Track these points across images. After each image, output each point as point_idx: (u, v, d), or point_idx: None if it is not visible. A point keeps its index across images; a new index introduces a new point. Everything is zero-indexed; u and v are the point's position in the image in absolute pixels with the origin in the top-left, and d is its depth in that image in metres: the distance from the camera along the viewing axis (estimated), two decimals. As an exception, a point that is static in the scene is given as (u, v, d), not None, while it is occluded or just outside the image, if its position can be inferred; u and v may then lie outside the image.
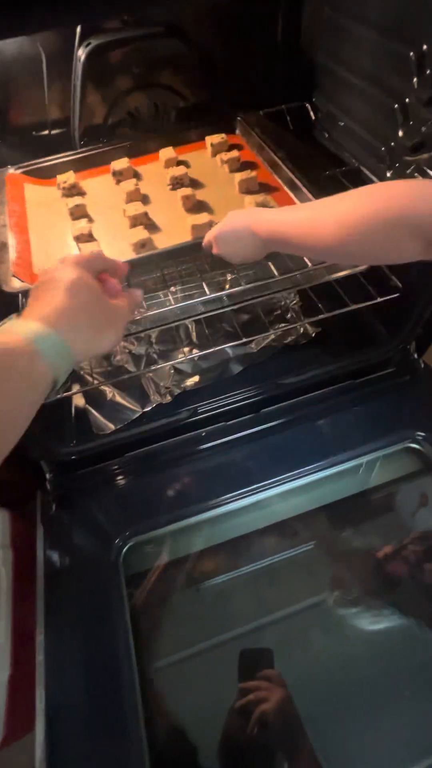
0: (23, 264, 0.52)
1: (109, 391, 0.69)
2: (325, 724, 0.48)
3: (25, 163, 0.65)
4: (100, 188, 0.65)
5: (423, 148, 0.49)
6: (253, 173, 0.60)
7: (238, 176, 0.60)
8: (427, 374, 0.68)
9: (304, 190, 0.58)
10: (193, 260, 0.61)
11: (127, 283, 0.54)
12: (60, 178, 0.64)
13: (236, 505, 0.60)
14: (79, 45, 0.61)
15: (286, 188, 0.61)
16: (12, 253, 0.52)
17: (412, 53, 0.46)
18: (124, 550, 0.55)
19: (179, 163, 0.65)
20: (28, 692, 0.46)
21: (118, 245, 0.56)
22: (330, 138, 0.67)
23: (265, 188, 0.61)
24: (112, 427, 0.65)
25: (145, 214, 0.58)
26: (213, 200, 0.61)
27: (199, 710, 0.50)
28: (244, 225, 0.45)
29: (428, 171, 0.49)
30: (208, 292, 0.54)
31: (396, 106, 0.51)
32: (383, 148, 0.55)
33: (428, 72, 0.45)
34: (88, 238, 0.56)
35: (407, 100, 0.49)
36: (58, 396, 0.52)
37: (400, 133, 0.51)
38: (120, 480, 0.62)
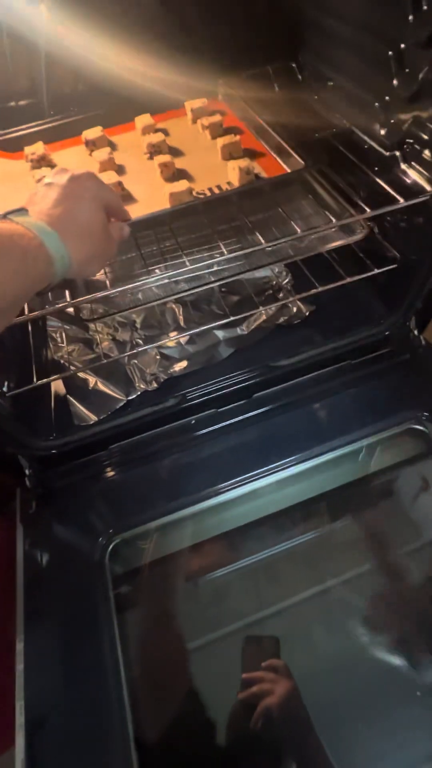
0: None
1: (92, 380, 0.65)
2: (332, 718, 0.45)
3: (-10, 136, 0.60)
4: (72, 159, 0.60)
5: (421, 97, 0.45)
6: (237, 138, 0.56)
7: (221, 141, 0.56)
8: (428, 352, 0.64)
9: (293, 153, 0.54)
10: (170, 230, 0.56)
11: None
12: (28, 149, 0.59)
13: (230, 495, 0.56)
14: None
15: (273, 153, 0.57)
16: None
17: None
18: (110, 548, 0.51)
19: (157, 131, 0.60)
20: (7, 705, 0.42)
21: None
22: (319, 99, 0.62)
23: (250, 154, 0.56)
24: (94, 417, 0.60)
25: (119, 183, 0.53)
26: (194, 168, 0.56)
27: (196, 715, 0.47)
28: None
29: (428, 124, 0.45)
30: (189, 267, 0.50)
31: (390, 53, 0.46)
32: (377, 104, 0.51)
33: (426, 8, 0.40)
34: None
35: (402, 45, 0.45)
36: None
37: (395, 83, 0.46)
38: (105, 474, 0.58)
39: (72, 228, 0.34)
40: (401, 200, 0.47)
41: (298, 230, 0.48)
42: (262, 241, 0.49)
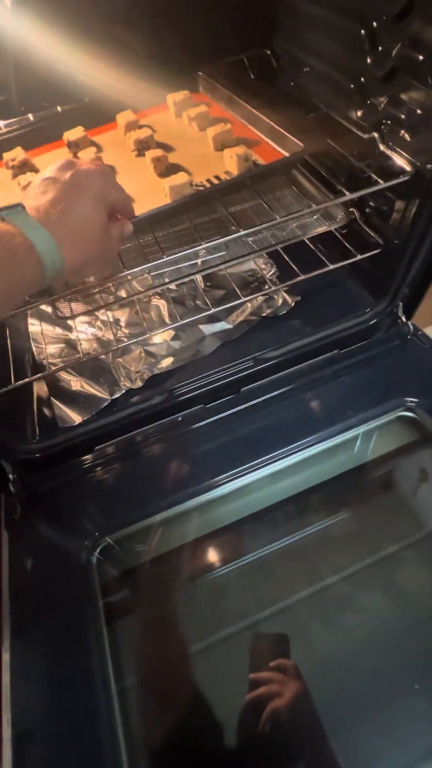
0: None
1: (75, 380, 0.63)
2: (340, 717, 0.43)
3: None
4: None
5: (396, 75, 0.44)
6: (228, 126, 0.54)
7: (211, 132, 0.54)
8: (417, 338, 0.63)
9: (291, 136, 0.52)
10: (172, 226, 0.55)
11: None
12: (7, 156, 0.57)
13: (221, 491, 0.54)
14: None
15: (267, 139, 0.55)
16: None
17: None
18: (98, 551, 0.50)
19: (141, 127, 0.59)
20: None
21: None
22: (295, 85, 0.61)
23: (243, 142, 0.55)
24: (79, 419, 0.59)
25: None
26: (187, 161, 0.55)
27: (198, 719, 0.45)
28: None
29: (403, 98, 0.44)
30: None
31: (363, 32, 0.45)
32: (352, 86, 0.50)
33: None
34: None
35: (374, 23, 0.44)
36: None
37: (369, 60, 0.45)
38: (91, 476, 0.57)
39: (69, 229, 0.32)
40: (381, 182, 0.46)
41: (277, 217, 0.47)
42: (240, 230, 0.48)
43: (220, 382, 0.61)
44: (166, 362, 0.65)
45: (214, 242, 0.48)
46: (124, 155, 0.57)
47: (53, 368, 0.59)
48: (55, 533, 0.53)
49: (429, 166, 0.44)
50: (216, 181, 0.51)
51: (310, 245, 0.61)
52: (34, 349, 0.66)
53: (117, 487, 0.56)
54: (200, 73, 0.65)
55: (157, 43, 0.64)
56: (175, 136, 0.58)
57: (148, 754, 0.42)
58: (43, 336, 0.67)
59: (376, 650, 0.47)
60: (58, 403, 0.61)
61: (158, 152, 0.53)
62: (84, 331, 0.70)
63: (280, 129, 0.53)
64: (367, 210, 0.58)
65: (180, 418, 0.60)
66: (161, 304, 0.72)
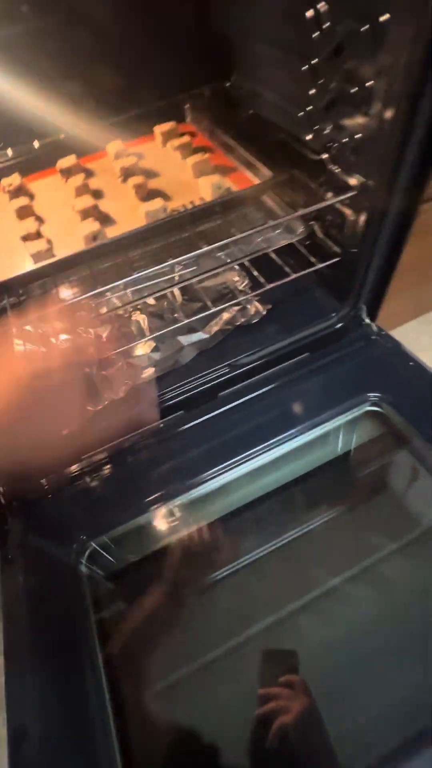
0: None
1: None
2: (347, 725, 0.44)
3: None
4: (49, 188, 0.64)
5: (335, 105, 0.49)
6: (206, 155, 0.60)
7: (191, 160, 0.60)
8: (380, 338, 0.67)
9: (260, 165, 0.58)
10: (146, 246, 0.59)
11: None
12: (5, 181, 0.62)
13: (202, 490, 0.57)
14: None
15: (242, 167, 0.61)
16: None
17: (310, 9, 0.46)
18: (86, 554, 0.52)
19: (129, 155, 0.64)
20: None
21: (70, 240, 0.55)
22: (253, 115, 0.67)
23: (220, 170, 0.60)
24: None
25: (95, 206, 0.57)
26: (167, 187, 0.60)
27: (199, 736, 0.46)
28: None
29: (344, 124, 0.49)
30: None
31: (305, 68, 0.50)
32: (300, 114, 0.55)
33: (325, 26, 0.45)
34: (36, 236, 0.55)
35: (314, 60, 0.49)
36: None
37: (312, 92, 0.50)
38: (78, 483, 0.59)
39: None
40: (329, 197, 0.51)
41: (237, 233, 0.52)
42: (206, 246, 0.52)
43: (198, 389, 0.65)
44: (148, 372, 0.68)
45: (182, 258, 0.52)
46: (111, 181, 0.62)
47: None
48: (43, 539, 0.55)
49: (371, 181, 0.49)
50: (190, 206, 0.56)
51: (276, 257, 0.66)
52: (20, 366, 0.69)
53: (102, 494, 0.58)
54: (187, 105, 0.71)
55: (123, 77, 0.70)
56: (161, 164, 0.64)
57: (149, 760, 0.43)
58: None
59: (369, 640, 0.49)
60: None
61: (139, 179, 0.58)
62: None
63: (249, 157, 0.59)
64: (325, 223, 0.63)
65: (162, 425, 0.63)
66: (141, 318, 0.76)
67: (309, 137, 0.55)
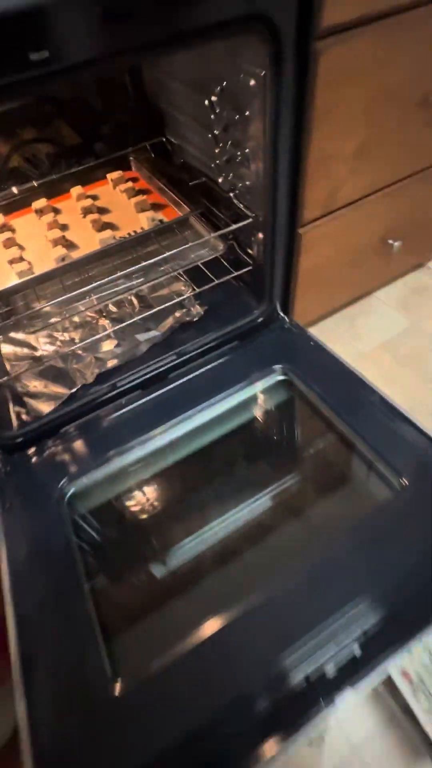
0: None
1: (41, 383, 0.83)
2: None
3: None
4: (27, 224, 0.83)
5: (231, 161, 0.70)
6: (144, 197, 0.80)
7: (134, 200, 0.79)
8: (290, 327, 0.87)
9: (183, 204, 0.78)
10: (102, 264, 0.79)
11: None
12: None
13: (155, 444, 0.75)
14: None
15: (171, 204, 0.81)
16: None
17: (206, 100, 0.66)
18: (67, 497, 0.69)
19: (88, 197, 0.83)
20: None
21: (44, 262, 0.74)
22: (183, 163, 0.87)
23: (155, 207, 0.80)
24: (47, 409, 0.79)
25: (63, 236, 0.76)
26: (117, 220, 0.80)
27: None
28: None
29: (240, 173, 0.70)
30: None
31: (209, 135, 0.71)
32: (213, 165, 0.76)
33: (217, 111, 0.65)
34: (20, 260, 0.74)
35: (215, 131, 0.70)
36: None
37: (216, 151, 0.71)
38: (57, 447, 0.76)
39: None
40: (232, 225, 0.71)
41: (165, 252, 0.71)
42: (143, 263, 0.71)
43: (152, 373, 0.83)
44: (111, 363, 0.86)
45: (128, 271, 0.71)
46: (74, 217, 0.82)
47: (24, 377, 0.79)
48: (34, 489, 0.71)
49: (261, 214, 0.70)
50: (133, 234, 0.76)
51: (206, 269, 0.86)
52: (7, 366, 0.86)
53: (77, 450, 0.75)
54: (131, 157, 0.91)
55: (99, 137, 0.89)
56: (112, 203, 0.84)
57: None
58: (14, 355, 0.87)
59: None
60: (29, 400, 0.80)
61: (95, 216, 0.78)
62: (46, 350, 0.90)
63: (176, 197, 0.79)
64: (239, 242, 0.84)
65: (123, 401, 0.81)
66: (106, 323, 0.94)
67: (220, 180, 0.76)
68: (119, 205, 0.82)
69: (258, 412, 0.81)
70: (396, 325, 1.16)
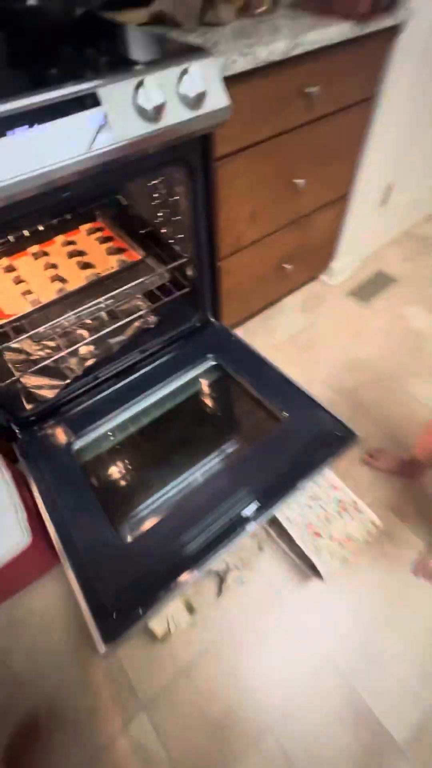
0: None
1: (44, 379, 1.14)
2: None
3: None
4: (25, 264, 1.13)
5: (170, 218, 1.06)
6: (111, 243, 1.14)
7: (103, 246, 1.13)
8: (219, 328, 1.25)
9: (137, 247, 1.13)
10: (90, 295, 1.11)
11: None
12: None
13: (127, 414, 1.09)
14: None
15: (131, 249, 1.15)
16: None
17: (150, 183, 1.02)
18: (75, 450, 1.01)
19: (69, 242, 1.15)
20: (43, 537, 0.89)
21: (46, 294, 1.05)
22: (136, 216, 1.22)
23: (120, 251, 1.14)
24: (50, 395, 1.10)
25: (57, 274, 1.08)
26: (92, 260, 1.13)
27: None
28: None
29: (179, 227, 1.06)
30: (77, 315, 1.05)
31: (153, 204, 1.07)
32: (156, 220, 1.11)
33: (158, 191, 1.01)
34: (28, 292, 1.04)
35: (155, 199, 1.06)
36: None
37: (159, 213, 1.07)
38: (60, 424, 1.08)
39: None
40: (173, 262, 1.07)
41: (133, 282, 1.06)
42: (115, 290, 1.06)
43: (122, 366, 1.17)
44: (92, 361, 1.19)
45: (105, 297, 1.05)
46: (62, 258, 1.13)
47: (27, 374, 1.10)
48: (50, 446, 1.02)
49: (191, 255, 1.06)
50: (107, 272, 1.10)
51: (157, 291, 1.21)
52: (12, 368, 1.16)
53: (76, 421, 1.07)
54: (98, 212, 1.24)
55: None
56: (88, 247, 1.16)
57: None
58: (14, 360, 1.17)
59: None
60: (35, 391, 1.11)
61: (79, 258, 1.10)
62: (39, 354, 1.21)
63: (132, 243, 1.14)
64: (180, 273, 1.20)
65: (104, 387, 1.14)
66: (84, 332, 1.26)
67: (164, 231, 1.11)
68: (92, 248, 1.15)
69: (199, 388, 1.18)
70: (298, 322, 1.58)
